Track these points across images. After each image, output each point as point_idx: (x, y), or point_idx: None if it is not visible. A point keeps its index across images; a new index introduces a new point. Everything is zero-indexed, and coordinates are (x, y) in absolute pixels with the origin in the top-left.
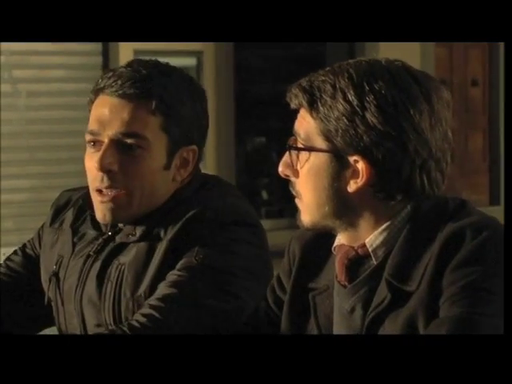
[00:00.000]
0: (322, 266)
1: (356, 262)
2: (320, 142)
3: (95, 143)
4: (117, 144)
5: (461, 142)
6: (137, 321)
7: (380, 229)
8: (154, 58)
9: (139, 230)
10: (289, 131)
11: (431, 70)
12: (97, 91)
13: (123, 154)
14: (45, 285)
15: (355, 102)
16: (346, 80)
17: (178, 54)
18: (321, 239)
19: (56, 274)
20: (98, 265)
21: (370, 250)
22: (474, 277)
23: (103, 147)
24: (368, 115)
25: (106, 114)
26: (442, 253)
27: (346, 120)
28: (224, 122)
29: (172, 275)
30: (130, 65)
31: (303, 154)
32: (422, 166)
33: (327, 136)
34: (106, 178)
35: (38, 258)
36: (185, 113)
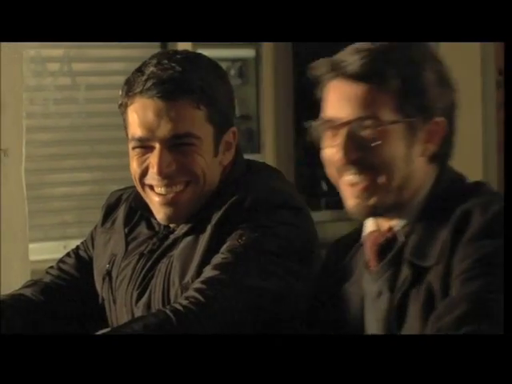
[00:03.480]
0: (351, 261)
1: (385, 246)
2: (391, 115)
3: (144, 148)
4: (169, 146)
5: None
6: (180, 304)
7: (404, 209)
8: (182, 49)
9: (189, 222)
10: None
11: (492, 70)
12: (133, 95)
13: (177, 153)
14: (98, 285)
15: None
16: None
17: (236, 46)
18: (351, 239)
19: (109, 273)
20: (150, 263)
21: (395, 230)
22: (485, 250)
23: (157, 153)
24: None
25: (152, 117)
26: (454, 230)
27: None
28: (283, 112)
29: (216, 258)
30: (158, 62)
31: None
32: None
33: (398, 108)
34: (165, 181)
35: (91, 260)
36: (222, 98)
